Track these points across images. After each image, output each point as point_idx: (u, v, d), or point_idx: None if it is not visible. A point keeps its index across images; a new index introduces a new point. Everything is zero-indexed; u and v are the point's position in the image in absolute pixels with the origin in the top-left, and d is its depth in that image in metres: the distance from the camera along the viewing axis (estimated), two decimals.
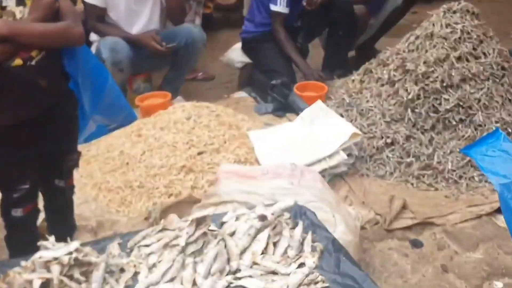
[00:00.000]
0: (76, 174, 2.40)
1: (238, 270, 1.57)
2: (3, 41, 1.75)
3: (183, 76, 4.15)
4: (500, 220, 2.57)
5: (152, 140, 3.03)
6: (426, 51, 3.14)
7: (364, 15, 4.45)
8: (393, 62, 3.25)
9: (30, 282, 1.40)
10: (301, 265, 1.59)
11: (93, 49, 3.75)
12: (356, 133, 2.95)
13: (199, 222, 1.62)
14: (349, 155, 2.95)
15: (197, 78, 4.72)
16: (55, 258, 1.42)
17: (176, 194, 2.76)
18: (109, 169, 2.99)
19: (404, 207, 2.68)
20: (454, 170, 2.89)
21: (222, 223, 1.75)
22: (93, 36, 3.83)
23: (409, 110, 3.04)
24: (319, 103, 3.31)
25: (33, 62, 1.84)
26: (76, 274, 1.44)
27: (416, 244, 2.51)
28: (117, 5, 3.76)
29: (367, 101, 3.24)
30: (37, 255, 1.45)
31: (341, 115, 3.26)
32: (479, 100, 3.01)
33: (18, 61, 1.81)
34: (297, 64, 4.07)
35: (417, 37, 3.26)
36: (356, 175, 2.98)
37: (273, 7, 3.97)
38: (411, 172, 2.93)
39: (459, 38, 3.11)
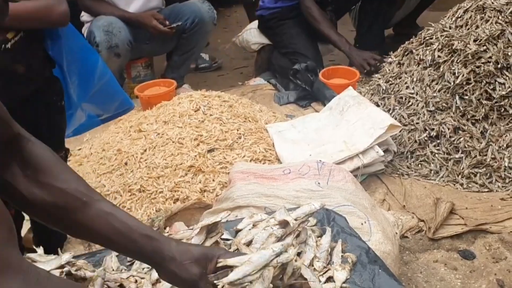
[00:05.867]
0: None
1: None
2: None
3: (189, 61, 4.18)
4: None
5: (154, 136, 3.06)
6: (477, 27, 3.11)
7: None
8: (438, 41, 3.23)
9: None
10: (330, 279, 1.59)
11: (84, 31, 3.80)
12: (394, 125, 2.94)
13: (210, 229, 1.63)
14: (386, 151, 2.95)
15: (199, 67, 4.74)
16: None
17: (183, 199, 2.78)
18: (104, 170, 3.03)
19: (452, 212, 2.68)
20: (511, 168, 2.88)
21: (237, 231, 1.76)
22: (85, 16, 3.87)
23: (457, 97, 3.03)
24: (350, 90, 3.30)
25: (8, 45, 1.87)
26: None
27: (467, 255, 2.51)
28: None
29: (407, 87, 3.23)
30: None
31: (377, 104, 3.26)
32: None
33: None
34: (340, 48, 4.06)
35: (466, 11, 3.23)
36: (395, 174, 3.00)
37: None
38: (460, 170, 2.92)
39: None
